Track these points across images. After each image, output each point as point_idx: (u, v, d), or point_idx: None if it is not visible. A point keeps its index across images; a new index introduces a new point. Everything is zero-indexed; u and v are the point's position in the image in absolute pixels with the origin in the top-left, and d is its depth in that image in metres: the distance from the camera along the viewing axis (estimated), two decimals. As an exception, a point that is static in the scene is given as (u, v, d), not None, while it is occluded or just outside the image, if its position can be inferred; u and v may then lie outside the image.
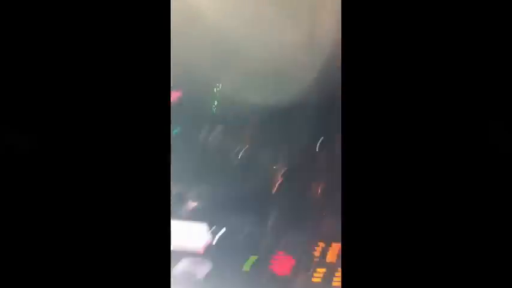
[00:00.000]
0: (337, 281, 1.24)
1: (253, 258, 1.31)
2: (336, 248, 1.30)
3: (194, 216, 1.43)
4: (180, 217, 1.39)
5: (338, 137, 0.79)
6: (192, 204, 1.44)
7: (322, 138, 1.43)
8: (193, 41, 1.39)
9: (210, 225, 1.41)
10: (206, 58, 1.46)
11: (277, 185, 1.49)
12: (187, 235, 1.38)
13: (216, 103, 1.52)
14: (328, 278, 1.26)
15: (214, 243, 1.37)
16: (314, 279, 1.27)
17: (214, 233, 1.40)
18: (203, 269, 1.26)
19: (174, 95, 1.43)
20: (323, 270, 1.27)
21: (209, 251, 1.31)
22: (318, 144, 1.43)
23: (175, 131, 1.43)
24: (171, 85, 0.77)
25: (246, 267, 1.30)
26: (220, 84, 1.49)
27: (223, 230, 1.42)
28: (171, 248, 1.27)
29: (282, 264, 1.29)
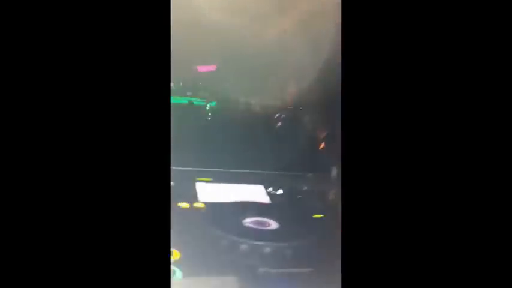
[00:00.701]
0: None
1: (318, 215, 1.31)
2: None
3: (250, 180, 1.45)
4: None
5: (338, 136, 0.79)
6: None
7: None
8: (194, 41, 1.39)
9: (267, 187, 1.44)
10: (206, 58, 1.47)
11: (322, 144, 1.52)
12: (248, 195, 1.40)
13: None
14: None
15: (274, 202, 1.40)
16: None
17: (272, 193, 1.43)
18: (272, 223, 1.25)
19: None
20: None
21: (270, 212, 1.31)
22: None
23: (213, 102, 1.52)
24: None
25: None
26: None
27: (280, 191, 1.44)
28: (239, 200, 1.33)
29: None
